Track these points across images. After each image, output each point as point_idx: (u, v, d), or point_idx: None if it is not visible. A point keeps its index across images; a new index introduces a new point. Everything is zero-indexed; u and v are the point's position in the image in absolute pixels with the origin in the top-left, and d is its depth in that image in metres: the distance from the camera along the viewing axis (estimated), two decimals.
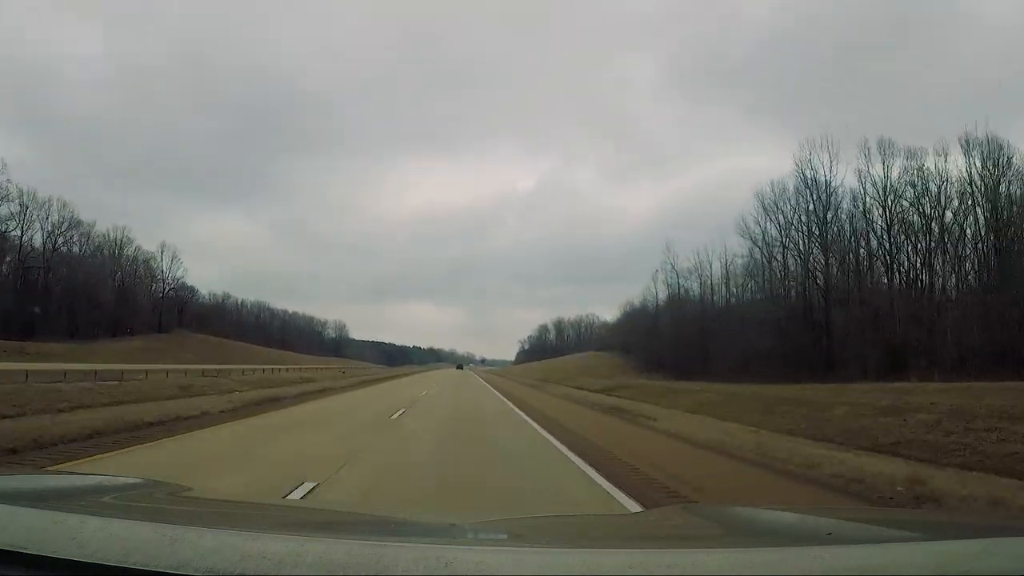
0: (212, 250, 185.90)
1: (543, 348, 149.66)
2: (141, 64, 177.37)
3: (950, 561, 0.95)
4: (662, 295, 73.81)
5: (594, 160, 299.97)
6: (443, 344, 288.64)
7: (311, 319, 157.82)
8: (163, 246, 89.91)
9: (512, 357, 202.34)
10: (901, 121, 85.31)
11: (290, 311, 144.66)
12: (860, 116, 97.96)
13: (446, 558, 0.89)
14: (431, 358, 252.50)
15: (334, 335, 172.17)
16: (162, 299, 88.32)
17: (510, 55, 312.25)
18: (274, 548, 0.91)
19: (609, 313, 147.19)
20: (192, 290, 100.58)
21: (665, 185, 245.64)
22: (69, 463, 7.67)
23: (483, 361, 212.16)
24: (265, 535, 0.98)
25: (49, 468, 6.84)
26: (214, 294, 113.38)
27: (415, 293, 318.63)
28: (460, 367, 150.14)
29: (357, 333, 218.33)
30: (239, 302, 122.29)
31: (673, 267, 71.81)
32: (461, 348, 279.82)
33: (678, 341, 58.27)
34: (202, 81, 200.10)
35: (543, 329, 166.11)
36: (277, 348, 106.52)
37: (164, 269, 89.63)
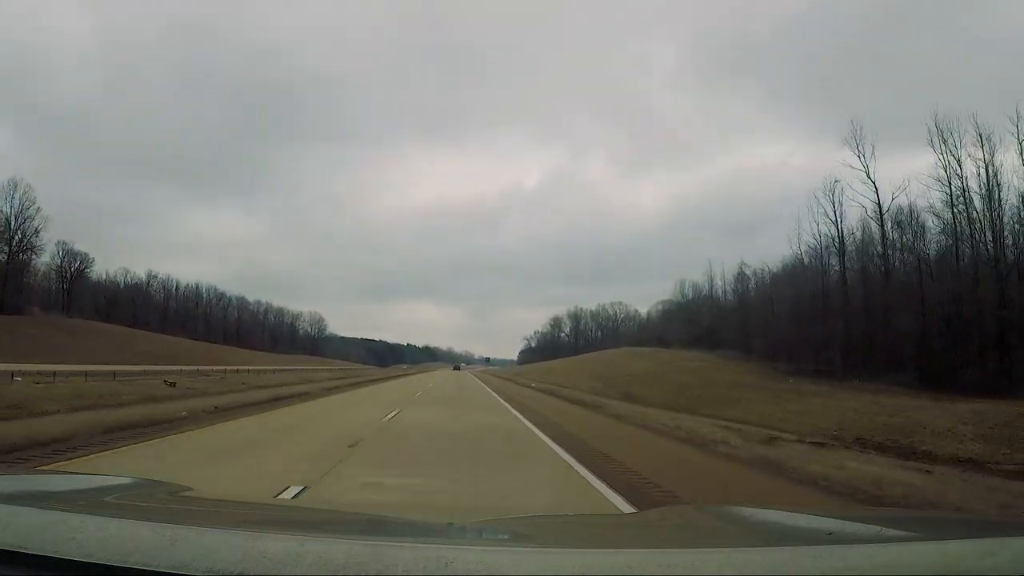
0: (208, 245, 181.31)
1: (555, 345, 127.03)
2: (131, 41, 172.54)
3: (950, 561, 0.95)
4: (812, 242, 43.95)
5: (605, 154, 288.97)
6: (440, 342, 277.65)
7: (281, 311, 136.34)
8: (13, 186, 60.99)
9: (514, 356, 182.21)
10: None
11: (250, 300, 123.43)
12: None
13: (446, 558, 0.89)
14: (426, 357, 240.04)
15: (312, 330, 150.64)
16: (6, 265, 61.15)
17: (520, 39, 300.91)
18: (274, 548, 0.91)
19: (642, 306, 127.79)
20: (85, 259, 75.86)
21: (679, 180, 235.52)
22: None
23: (488, 360, 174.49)
24: (265, 535, 0.98)
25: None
26: (154, 273, 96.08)
27: (414, 291, 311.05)
28: (457, 368, 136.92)
29: (349, 330, 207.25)
30: (176, 286, 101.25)
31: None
32: (459, 347, 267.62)
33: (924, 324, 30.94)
34: (197, 64, 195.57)
35: (555, 323, 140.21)
36: (224, 343, 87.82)
37: (8, 219, 60.55)
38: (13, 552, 0.93)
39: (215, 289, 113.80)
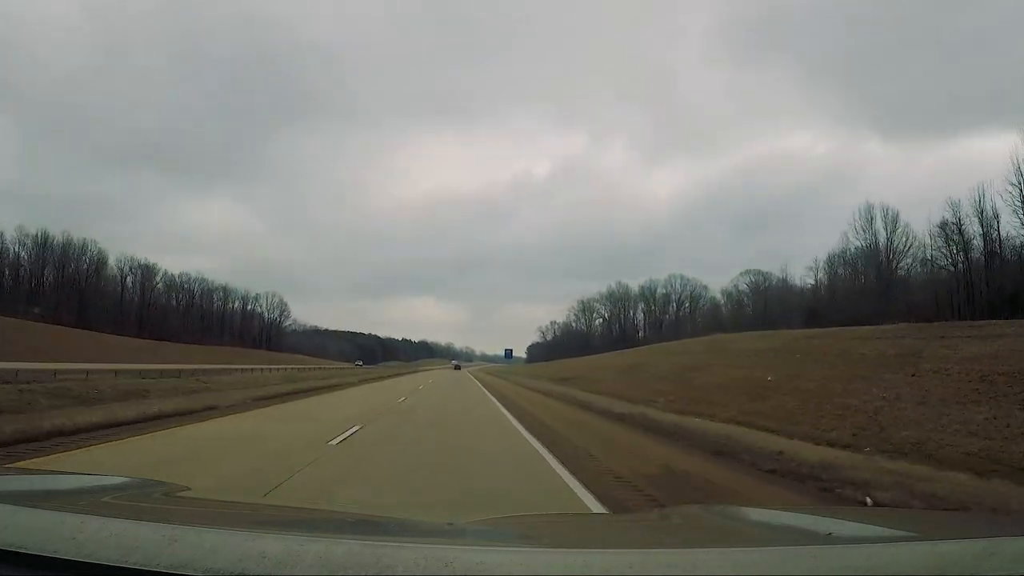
0: (198, 237, 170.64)
1: (583, 338, 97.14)
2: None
3: (950, 561, 0.95)
4: None
5: (624, 139, 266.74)
6: (440, 338, 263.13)
7: (225, 292, 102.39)
8: None
9: (522, 353, 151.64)
10: None
11: (170, 273, 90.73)
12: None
13: (446, 558, 0.89)
14: (423, 353, 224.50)
15: (273, 318, 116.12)
16: None
17: (538, 11, 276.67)
18: (274, 548, 0.91)
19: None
20: None
21: (706, 168, 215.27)
22: None
23: (509, 355, 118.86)
24: (265, 535, 0.99)
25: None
26: None
27: (415, 286, 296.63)
28: (458, 367, 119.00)
29: (344, 326, 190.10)
30: (42, 241, 69.83)
31: None
32: (460, 343, 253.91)
33: None
34: (188, 39, 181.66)
35: (584, 308, 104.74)
36: (109, 331, 63.93)
37: None
38: (13, 552, 0.93)
39: (97, 248, 77.48)
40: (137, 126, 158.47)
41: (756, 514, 1.90)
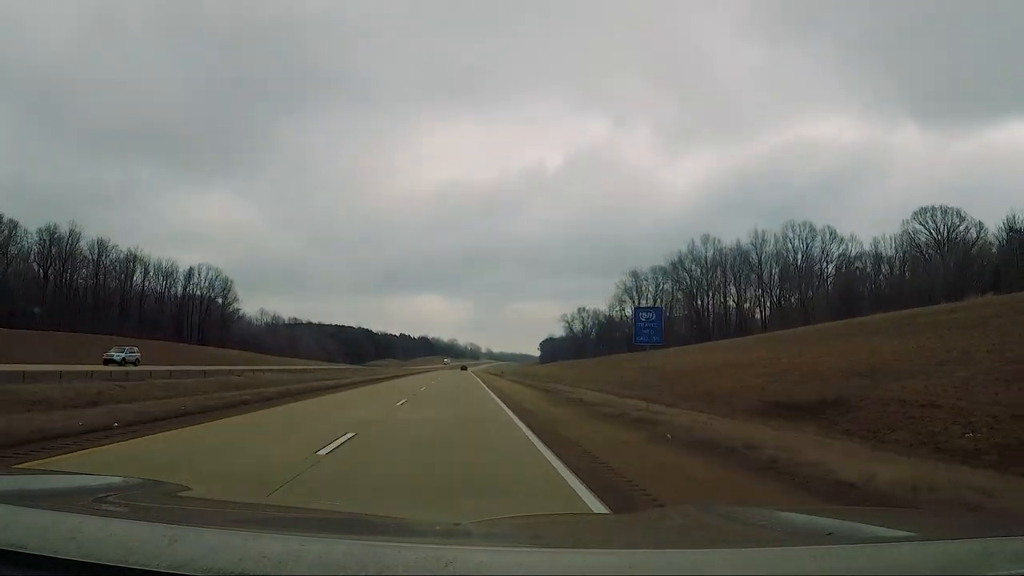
0: (197, 230, 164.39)
1: (624, 332, 70.28)
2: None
3: (950, 561, 0.95)
4: None
5: (649, 124, 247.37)
6: (443, 334, 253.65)
7: (134, 261, 75.33)
8: None
9: (530, 351, 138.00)
10: None
11: (38, 231, 65.29)
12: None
13: (446, 558, 0.89)
14: (423, 350, 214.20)
15: (212, 299, 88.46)
16: None
17: None
18: (274, 548, 0.91)
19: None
20: None
21: (736, 156, 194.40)
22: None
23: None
24: (265, 535, 0.99)
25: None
26: None
27: (420, 282, 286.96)
28: (464, 368, 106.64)
29: (345, 323, 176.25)
30: None
31: None
32: (463, 339, 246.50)
33: None
34: (182, 15, 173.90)
35: (634, 283, 77.53)
36: None
37: None
38: (13, 552, 0.93)
39: None
40: (129, 109, 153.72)
41: (756, 514, 1.90)
